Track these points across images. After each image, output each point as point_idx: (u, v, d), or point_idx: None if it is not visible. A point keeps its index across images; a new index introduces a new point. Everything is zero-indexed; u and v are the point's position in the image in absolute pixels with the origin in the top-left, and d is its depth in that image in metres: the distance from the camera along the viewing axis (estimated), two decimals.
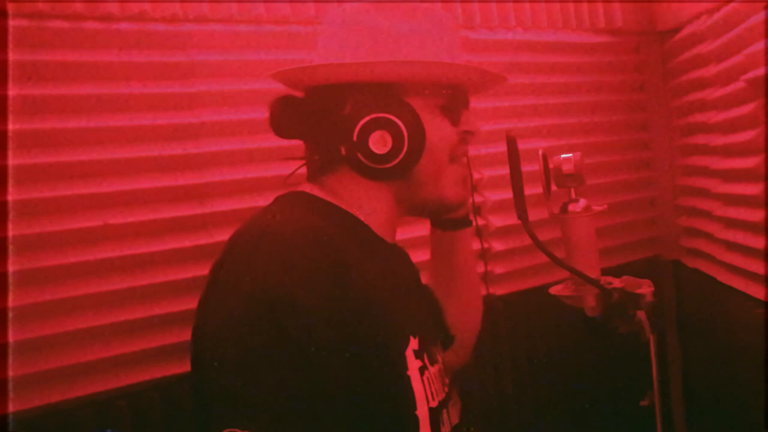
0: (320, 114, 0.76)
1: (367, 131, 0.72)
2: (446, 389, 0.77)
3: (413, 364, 0.70)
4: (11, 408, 0.89)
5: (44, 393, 0.93)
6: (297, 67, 0.75)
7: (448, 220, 0.94)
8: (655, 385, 0.90)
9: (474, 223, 0.97)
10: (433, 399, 0.71)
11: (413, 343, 0.71)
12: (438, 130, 0.76)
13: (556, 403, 1.42)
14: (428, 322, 0.85)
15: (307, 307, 0.60)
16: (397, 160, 0.72)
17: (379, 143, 0.72)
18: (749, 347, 1.21)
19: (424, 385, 0.70)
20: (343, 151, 0.73)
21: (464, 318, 0.98)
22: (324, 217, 0.72)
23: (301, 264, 0.62)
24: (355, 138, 0.72)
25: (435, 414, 0.70)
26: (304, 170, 0.83)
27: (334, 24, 0.77)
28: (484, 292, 1.02)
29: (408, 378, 0.68)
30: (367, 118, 0.71)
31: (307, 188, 0.78)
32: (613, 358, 1.40)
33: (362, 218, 0.76)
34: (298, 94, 0.80)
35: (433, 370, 0.74)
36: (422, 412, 0.68)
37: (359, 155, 0.72)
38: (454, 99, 0.78)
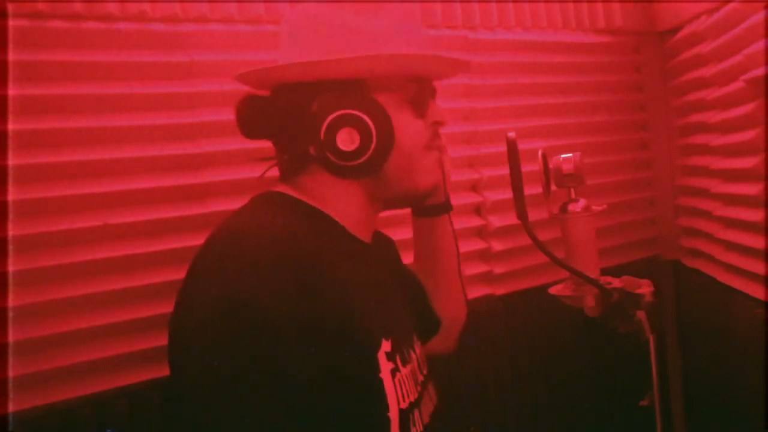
0: (287, 113, 0.75)
1: (333, 128, 0.71)
2: (419, 389, 0.77)
3: (385, 367, 0.69)
4: (11, 408, 0.89)
5: (44, 393, 0.93)
6: (261, 68, 0.74)
7: (428, 206, 0.94)
8: (655, 385, 0.90)
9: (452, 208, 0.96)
10: (404, 400, 0.71)
11: (385, 345, 0.71)
12: (406, 125, 0.75)
13: (556, 403, 1.42)
14: (404, 321, 0.85)
15: (274, 311, 0.59)
16: (365, 157, 0.72)
17: (346, 140, 0.71)
18: (749, 347, 1.21)
19: (396, 387, 0.70)
20: (312, 151, 0.73)
21: (447, 304, 0.98)
22: (297, 218, 0.72)
23: (269, 267, 0.61)
24: (322, 136, 0.71)
25: (405, 415, 0.70)
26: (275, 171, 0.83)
27: (295, 23, 0.76)
28: (464, 282, 1.01)
29: (380, 380, 0.68)
30: (333, 116, 0.71)
31: (281, 188, 0.77)
32: (613, 358, 1.40)
33: (336, 217, 0.76)
34: (264, 93, 0.79)
35: (405, 371, 0.74)
36: (393, 414, 0.68)
37: (327, 154, 0.72)
38: (420, 92, 0.78)
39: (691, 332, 1.56)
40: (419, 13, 0.80)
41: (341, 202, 0.76)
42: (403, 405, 0.71)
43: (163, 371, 1.00)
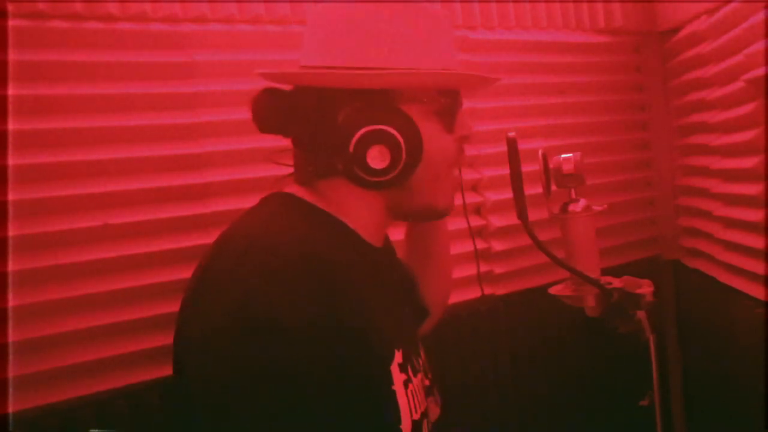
0: (310, 116, 0.72)
1: (364, 144, 0.68)
2: (428, 397, 0.77)
3: (398, 379, 0.68)
4: (11, 408, 0.89)
5: (44, 393, 0.93)
6: (291, 72, 0.72)
7: None
8: (655, 385, 0.90)
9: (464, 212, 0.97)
10: (416, 411, 0.70)
11: (398, 357, 0.70)
12: (434, 138, 0.74)
13: (556, 403, 1.42)
14: (411, 328, 0.84)
15: (290, 325, 0.58)
16: (394, 174, 0.70)
17: (377, 158, 0.69)
18: (749, 347, 1.21)
19: (408, 398, 0.69)
20: (340, 165, 0.71)
21: (436, 294, 0.98)
22: (312, 225, 0.70)
23: (287, 279, 0.59)
24: (351, 150, 0.69)
25: (417, 426, 0.70)
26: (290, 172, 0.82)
27: (324, 23, 0.73)
28: (453, 271, 1.02)
29: (393, 393, 0.67)
30: (363, 131, 0.68)
31: (295, 190, 0.75)
32: (613, 358, 1.40)
33: (350, 224, 0.74)
34: (285, 87, 0.77)
35: (416, 381, 0.73)
36: (406, 426, 0.67)
37: (356, 168, 0.70)
38: (450, 105, 0.76)
39: (691, 332, 1.56)
40: (446, 17, 0.78)
41: (359, 211, 0.75)
42: (416, 416, 0.70)
43: (163, 371, 1.01)
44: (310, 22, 0.76)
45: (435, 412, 0.79)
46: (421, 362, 0.79)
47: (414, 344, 0.81)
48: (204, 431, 0.58)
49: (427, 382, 0.79)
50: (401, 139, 0.69)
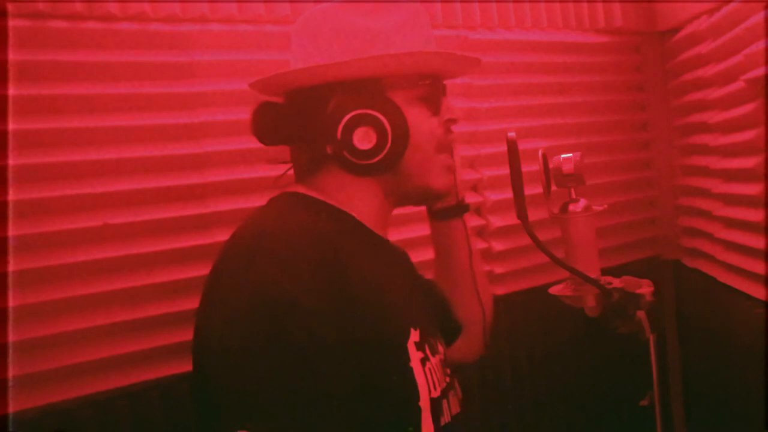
0: (303, 116, 0.77)
1: (350, 128, 0.72)
2: (447, 379, 0.79)
3: (415, 356, 0.71)
4: (11, 408, 0.89)
5: (44, 393, 0.93)
6: (277, 74, 0.76)
7: (442, 209, 0.95)
8: (655, 385, 0.90)
9: (469, 208, 0.97)
10: (435, 389, 0.72)
11: (414, 335, 0.72)
12: (421, 122, 0.77)
13: (556, 403, 1.42)
14: (428, 313, 0.85)
15: (307, 307, 0.61)
16: (382, 155, 0.73)
17: (363, 139, 0.73)
18: (749, 347, 1.21)
19: (426, 375, 0.71)
20: (329, 150, 0.74)
21: (463, 307, 0.98)
22: (318, 216, 0.74)
23: (299, 264, 0.63)
24: (339, 136, 0.72)
25: (436, 404, 0.72)
26: (292, 172, 0.84)
27: (307, 25, 0.78)
28: (485, 284, 1.00)
29: (411, 369, 0.69)
30: (349, 115, 0.72)
31: (299, 188, 0.79)
32: (613, 358, 1.40)
33: (354, 214, 0.77)
34: (278, 99, 0.80)
35: (434, 360, 0.75)
36: (424, 403, 0.70)
37: (345, 153, 0.73)
38: (432, 89, 0.79)
39: (691, 332, 1.56)
40: (425, 13, 0.81)
41: (358, 199, 0.78)
42: (435, 393, 0.72)
43: (163, 371, 1.01)
44: (293, 29, 0.80)
45: (456, 401, 0.80)
46: (441, 348, 0.81)
47: (434, 329, 0.82)
48: (228, 420, 0.59)
49: (448, 370, 0.81)
50: (386, 121, 0.73)
